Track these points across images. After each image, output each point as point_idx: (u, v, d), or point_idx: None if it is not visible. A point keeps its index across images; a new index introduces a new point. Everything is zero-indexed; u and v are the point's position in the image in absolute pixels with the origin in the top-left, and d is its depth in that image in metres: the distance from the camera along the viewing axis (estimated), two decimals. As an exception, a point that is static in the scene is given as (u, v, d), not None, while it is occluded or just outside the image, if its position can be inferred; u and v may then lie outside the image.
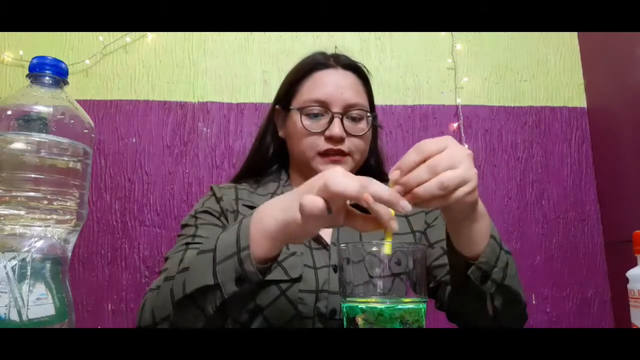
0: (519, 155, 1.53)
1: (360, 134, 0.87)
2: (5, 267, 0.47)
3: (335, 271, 0.80)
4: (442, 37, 1.57)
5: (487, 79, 1.56)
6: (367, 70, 0.94)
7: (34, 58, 0.55)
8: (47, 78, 0.55)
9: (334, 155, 0.85)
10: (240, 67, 1.51)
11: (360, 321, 0.49)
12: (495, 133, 1.53)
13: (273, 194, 0.89)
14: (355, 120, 0.87)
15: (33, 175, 0.50)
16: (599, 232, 1.49)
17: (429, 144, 0.53)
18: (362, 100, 0.89)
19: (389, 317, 0.48)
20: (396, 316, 0.48)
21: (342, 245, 0.53)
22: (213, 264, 0.58)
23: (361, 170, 0.90)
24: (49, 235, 0.51)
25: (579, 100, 1.57)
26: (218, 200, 0.87)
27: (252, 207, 0.85)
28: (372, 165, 0.96)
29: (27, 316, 0.47)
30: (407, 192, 0.52)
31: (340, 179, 0.51)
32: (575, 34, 1.60)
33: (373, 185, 0.50)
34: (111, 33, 1.47)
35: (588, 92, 1.57)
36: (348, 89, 0.87)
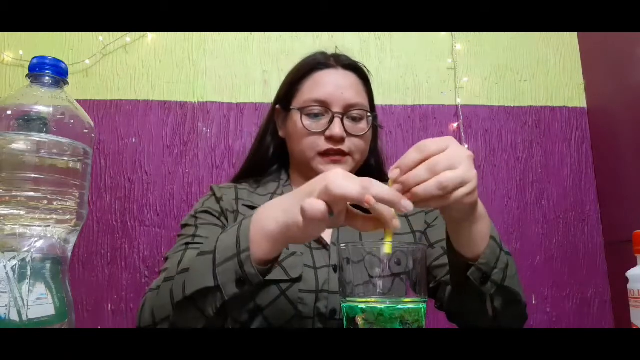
0: (519, 155, 1.53)
1: (361, 134, 0.87)
2: (5, 267, 0.47)
3: (335, 271, 0.80)
4: (442, 37, 1.57)
5: (487, 79, 1.56)
6: (368, 70, 0.94)
7: (34, 58, 0.55)
8: (47, 78, 0.54)
9: (334, 155, 0.85)
10: (240, 67, 1.51)
11: (360, 321, 0.49)
12: (495, 133, 1.53)
13: (273, 194, 0.89)
14: (355, 120, 0.87)
15: (33, 175, 0.50)
16: (599, 232, 1.49)
17: (429, 144, 0.53)
18: (363, 100, 0.89)
19: (389, 317, 0.48)
20: (396, 316, 0.48)
21: (342, 245, 0.53)
22: (213, 265, 0.58)
23: (361, 170, 0.90)
24: (49, 235, 0.51)
25: (579, 100, 1.57)
26: (218, 200, 0.87)
27: (252, 207, 0.85)
28: (373, 165, 0.96)
29: (27, 316, 0.47)
30: (406, 191, 0.52)
31: (341, 181, 0.51)
32: (575, 34, 1.60)
33: (374, 186, 0.50)
34: (111, 33, 1.47)
35: (588, 92, 1.57)
36: (348, 89, 0.87)
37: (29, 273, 0.48)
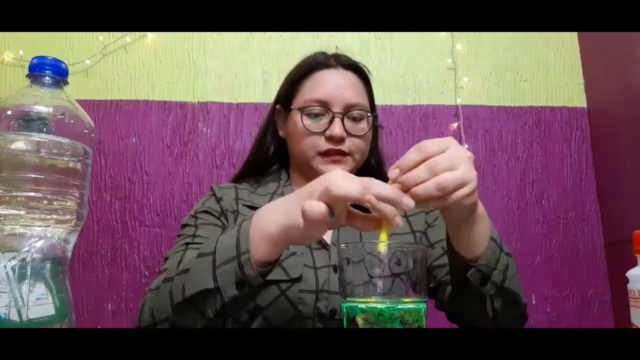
0: (519, 155, 1.53)
1: (361, 134, 0.87)
2: (5, 267, 0.47)
3: (335, 271, 0.80)
4: (442, 37, 1.57)
5: (487, 79, 1.56)
6: (368, 70, 0.93)
7: (34, 58, 0.55)
8: (47, 78, 0.54)
9: (334, 155, 0.85)
10: (240, 67, 1.51)
11: (360, 321, 0.49)
12: (495, 133, 1.53)
13: (273, 194, 0.89)
14: (355, 120, 0.87)
15: (33, 175, 0.50)
16: (599, 232, 1.49)
17: (429, 144, 0.53)
18: (363, 100, 0.89)
19: (389, 317, 0.48)
20: (396, 316, 0.48)
21: (342, 245, 0.53)
22: (213, 267, 0.58)
23: (361, 170, 0.90)
24: (49, 235, 0.51)
25: (579, 100, 1.57)
26: (218, 200, 0.87)
27: (252, 207, 0.85)
28: (373, 165, 0.96)
29: (27, 316, 0.47)
30: (405, 191, 0.52)
31: (342, 182, 0.50)
32: (575, 34, 1.60)
33: (375, 186, 0.50)
34: (111, 33, 1.47)
35: (588, 92, 1.57)
36: (349, 89, 0.87)
37: (29, 273, 0.48)
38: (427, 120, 1.52)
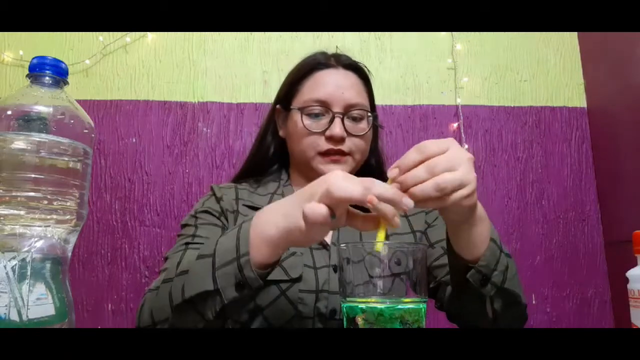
0: (519, 155, 1.53)
1: (361, 133, 0.87)
2: (5, 267, 0.47)
3: (335, 271, 0.80)
4: (442, 37, 1.57)
5: (487, 79, 1.56)
6: (368, 70, 0.93)
7: (34, 58, 0.55)
8: (47, 78, 0.55)
9: (334, 155, 0.85)
10: (240, 67, 1.51)
11: (360, 321, 0.49)
12: (495, 133, 1.53)
13: (273, 194, 0.89)
14: (356, 120, 0.87)
15: (33, 175, 0.50)
16: (599, 232, 1.49)
17: (430, 145, 0.53)
18: (363, 100, 0.89)
19: (389, 317, 0.48)
20: (396, 316, 0.48)
21: (342, 245, 0.53)
22: (212, 269, 0.58)
23: (361, 170, 0.90)
24: (49, 235, 0.51)
25: (579, 100, 1.57)
26: (218, 200, 0.87)
27: (252, 207, 0.85)
28: (373, 165, 0.96)
29: (27, 316, 0.47)
30: (403, 190, 0.52)
31: (342, 183, 0.50)
32: (575, 34, 1.60)
33: (376, 186, 0.50)
34: (111, 33, 1.47)
35: (588, 92, 1.57)
36: (349, 88, 0.87)
37: (29, 273, 0.48)
38: (427, 120, 1.52)
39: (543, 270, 1.46)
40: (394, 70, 1.55)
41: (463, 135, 1.50)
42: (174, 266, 0.68)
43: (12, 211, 0.49)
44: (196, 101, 1.47)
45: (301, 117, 0.86)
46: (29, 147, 0.51)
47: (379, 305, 0.49)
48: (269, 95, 1.47)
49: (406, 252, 0.51)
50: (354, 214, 0.55)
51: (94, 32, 1.46)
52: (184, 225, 0.84)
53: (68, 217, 0.53)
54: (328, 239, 0.85)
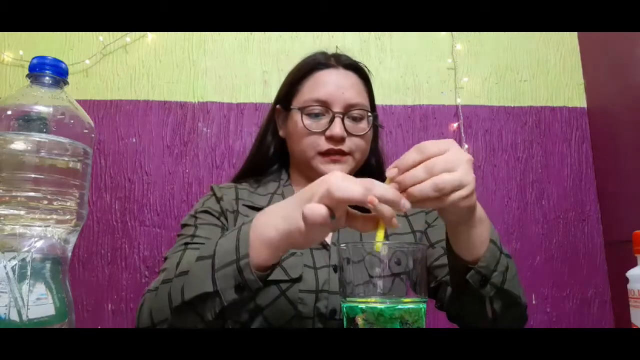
0: (519, 155, 1.53)
1: (361, 133, 0.87)
2: (5, 267, 0.47)
3: (335, 271, 0.80)
4: (442, 37, 1.57)
5: (487, 79, 1.56)
6: (368, 70, 0.93)
7: (34, 58, 0.55)
8: (47, 78, 0.54)
9: (334, 154, 0.85)
10: (240, 67, 1.51)
11: (360, 321, 0.49)
12: (495, 133, 1.53)
13: (273, 194, 0.89)
14: (356, 120, 0.87)
15: (33, 175, 0.50)
16: (599, 232, 1.49)
17: (429, 145, 0.53)
18: (363, 100, 0.89)
19: (389, 317, 0.48)
20: (396, 316, 0.48)
21: (342, 245, 0.53)
22: (212, 270, 0.58)
23: (361, 170, 0.90)
24: (49, 235, 0.51)
25: (579, 100, 1.57)
26: (218, 200, 0.87)
27: (252, 207, 0.85)
28: (373, 165, 0.96)
29: (27, 316, 0.47)
30: (402, 190, 0.52)
31: (343, 183, 0.50)
32: (575, 34, 1.60)
33: (376, 187, 0.50)
34: (111, 33, 1.47)
35: (588, 92, 1.57)
36: (349, 88, 0.87)
37: (29, 273, 0.48)
38: (427, 120, 1.52)
39: (543, 270, 1.46)
40: (394, 70, 1.55)
41: (463, 135, 1.50)
42: (174, 267, 0.68)
43: (12, 211, 0.49)
44: (196, 101, 1.47)
45: (301, 117, 0.86)
46: (29, 147, 0.51)
47: (379, 305, 0.49)
48: (269, 95, 1.47)
49: (406, 252, 0.51)
50: (354, 215, 0.55)
51: (94, 32, 1.46)
52: (184, 225, 0.84)
53: (68, 217, 0.53)
54: (328, 239, 0.85)
